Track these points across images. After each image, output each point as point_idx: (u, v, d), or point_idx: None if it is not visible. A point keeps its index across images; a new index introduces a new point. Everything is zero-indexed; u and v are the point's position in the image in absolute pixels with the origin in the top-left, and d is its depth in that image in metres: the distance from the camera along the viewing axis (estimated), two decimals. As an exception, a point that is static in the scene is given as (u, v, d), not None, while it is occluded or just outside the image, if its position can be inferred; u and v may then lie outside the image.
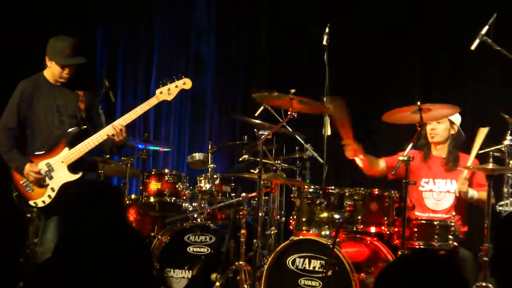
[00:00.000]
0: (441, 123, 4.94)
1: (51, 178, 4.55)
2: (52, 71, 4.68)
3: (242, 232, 5.19)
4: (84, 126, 4.64)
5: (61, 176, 4.55)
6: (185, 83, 4.64)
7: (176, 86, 4.63)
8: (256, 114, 5.38)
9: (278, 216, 5.60)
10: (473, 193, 4.76)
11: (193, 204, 5.77)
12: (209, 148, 5.82)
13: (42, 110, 4.67)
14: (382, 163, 5.07)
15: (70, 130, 4.61)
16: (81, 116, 4.67)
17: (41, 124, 4.66)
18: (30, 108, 4.68)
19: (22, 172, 4.56)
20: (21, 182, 4.61)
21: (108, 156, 5.63)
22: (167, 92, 4.61)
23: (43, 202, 4.55)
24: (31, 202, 4.59)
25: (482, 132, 4.66)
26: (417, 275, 1.74)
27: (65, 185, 4.52)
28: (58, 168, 4.56)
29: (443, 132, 4.96)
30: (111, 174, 6.65)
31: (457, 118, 4.99)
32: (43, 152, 4.60)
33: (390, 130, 5.90)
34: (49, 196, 4.54)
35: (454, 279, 1.76)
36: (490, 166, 4.37)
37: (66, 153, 4.57)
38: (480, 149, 4.73)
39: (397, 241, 4.51)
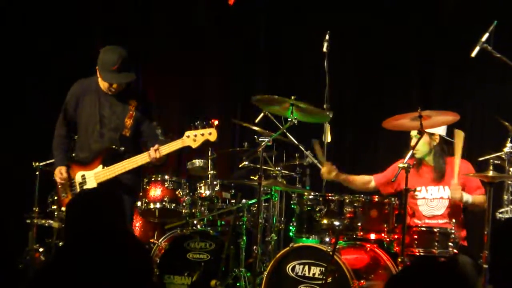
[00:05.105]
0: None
1: None
2: (101, 83, 4.68)
3: (242, 238, 5.18)
4: (122, 148, 4.65)
5: None
6: (211, 134, 4.59)
7: (202, 135, 4.59)
8: (256, 121, 5.37)
9: (278, 223, 5.60)
10: (467, 197, 4.75)
11: (193, 211, 5.76)
12: (209, 154, 5.81)
13: (85, 118, 4.71)
14: (372, 182, 5.19)
15: (108, 147, 4.65)
16: (124, 135, 4.67)
17: (82, 133, 4.74)
18: (76, 113, 4.75)
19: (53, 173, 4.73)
20: (59, 186, 4.75)
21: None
22: (193, 138, 4.60)
23: None
24: (63, 208, 4.71)
25: (459, 135, 4.65)
26: (425, 283, 1.74)
27: None
28: (89, 182, 4.65)
29: (422, 147, 4.91)
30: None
31: (437, 128, 4.92)
32: (82, 163, 4.70)
33: (390, 136, 5.91)
34: None
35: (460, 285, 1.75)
36: (491, 173, 4.36)
37: (99, 171, 4.63)
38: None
39: (397, 248, 4.50)
